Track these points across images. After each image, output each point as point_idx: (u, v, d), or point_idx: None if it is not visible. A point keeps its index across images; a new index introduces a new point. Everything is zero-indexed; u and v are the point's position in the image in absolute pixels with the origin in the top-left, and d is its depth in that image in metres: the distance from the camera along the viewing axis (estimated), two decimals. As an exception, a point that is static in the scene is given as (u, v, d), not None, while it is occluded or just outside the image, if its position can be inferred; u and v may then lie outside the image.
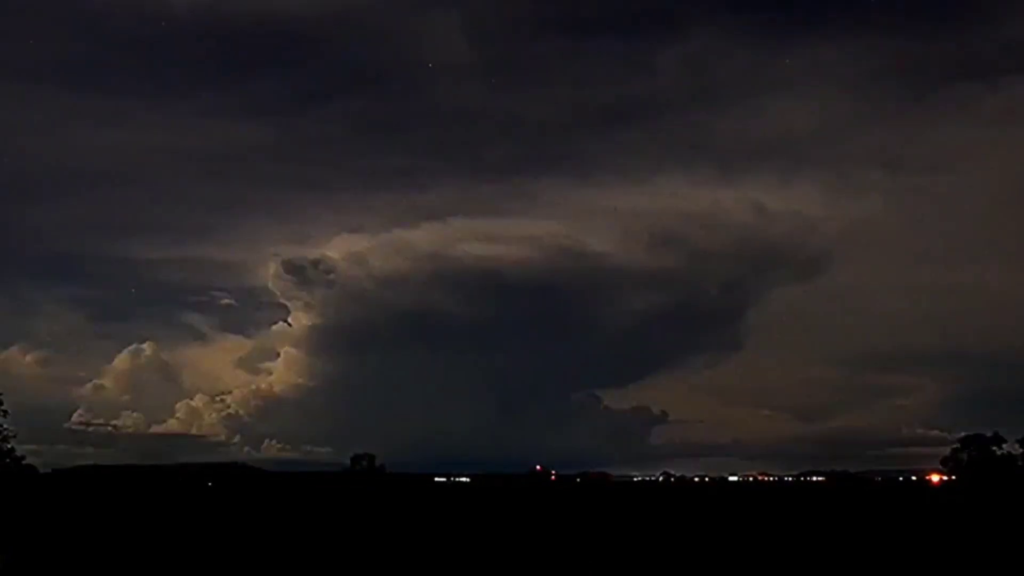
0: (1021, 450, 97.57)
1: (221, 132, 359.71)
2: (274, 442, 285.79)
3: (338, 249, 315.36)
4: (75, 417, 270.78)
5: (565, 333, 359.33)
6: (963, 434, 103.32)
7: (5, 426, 68.52)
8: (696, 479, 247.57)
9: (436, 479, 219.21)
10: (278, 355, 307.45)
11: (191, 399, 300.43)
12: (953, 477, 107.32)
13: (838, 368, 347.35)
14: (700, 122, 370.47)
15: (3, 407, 67.46)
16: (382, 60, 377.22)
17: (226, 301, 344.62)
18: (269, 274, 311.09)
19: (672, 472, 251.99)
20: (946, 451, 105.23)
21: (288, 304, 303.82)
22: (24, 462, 76.25)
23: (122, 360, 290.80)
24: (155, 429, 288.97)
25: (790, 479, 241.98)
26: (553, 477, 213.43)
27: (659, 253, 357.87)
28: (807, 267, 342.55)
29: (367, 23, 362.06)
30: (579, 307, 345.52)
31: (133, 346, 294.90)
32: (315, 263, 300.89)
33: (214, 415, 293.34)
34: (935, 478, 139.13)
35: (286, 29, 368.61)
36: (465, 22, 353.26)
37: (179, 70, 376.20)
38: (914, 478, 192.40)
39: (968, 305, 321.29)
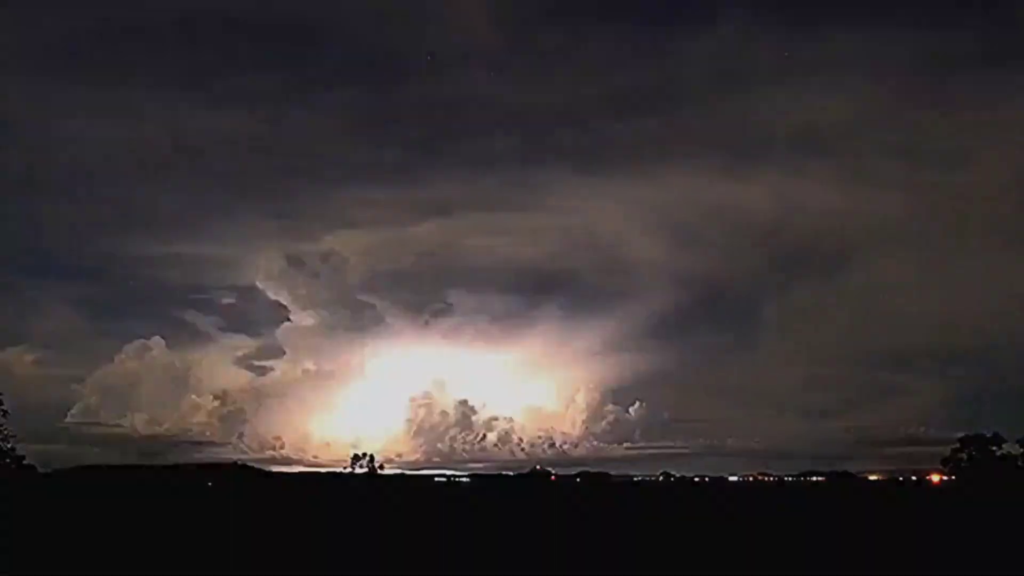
0: (1021, 450, 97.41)
1: (221, 127, 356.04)
2: (273, 441, 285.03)
3: (341, 245, 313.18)
4: (75, 417, 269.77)
5: (570, 331, 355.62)
6: (963, 434, 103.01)
7: (5, 426, 68.41)
8: (696, 479, 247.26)
9: (436, 479, 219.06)
10: (279, 353, 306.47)
11: (191, 398, 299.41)
12: (953, 477, 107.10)
13: (839, 368, 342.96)
14: (716, 114, 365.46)
15: (3, 407, 67.33)
16: (383, 49, 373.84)
17: (227, 300, 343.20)
18: (270, 271, 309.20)
19: (672, 472, 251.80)
20: (946, 451, 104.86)
21: (289, 302, 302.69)
22: (24, 462, 76.11)
23: (122, 359, 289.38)
24: (155, 429, 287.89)
25: (790, 479, 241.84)
26: (553, 477, 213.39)
27: (673, 248, 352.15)
28: (825, 264, 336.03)
29: (369, 11, 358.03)
30: (587, 303, 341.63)
31: (138, 342, 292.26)
32: (319, 259, 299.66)
33: (214, 414, 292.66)
34: (935, 478, 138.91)
35: (284, 19, 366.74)
36: (470, 9, 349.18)
37: (176, 64, 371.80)
38: (914, 478, 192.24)
39: (974, 304, 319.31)
